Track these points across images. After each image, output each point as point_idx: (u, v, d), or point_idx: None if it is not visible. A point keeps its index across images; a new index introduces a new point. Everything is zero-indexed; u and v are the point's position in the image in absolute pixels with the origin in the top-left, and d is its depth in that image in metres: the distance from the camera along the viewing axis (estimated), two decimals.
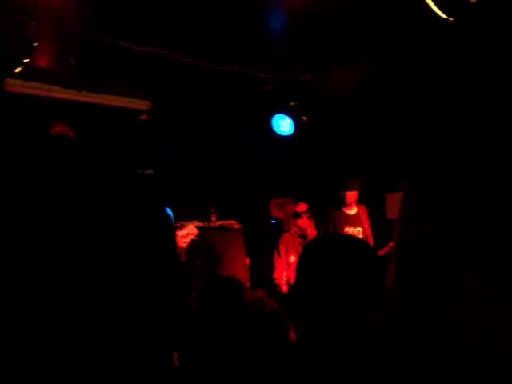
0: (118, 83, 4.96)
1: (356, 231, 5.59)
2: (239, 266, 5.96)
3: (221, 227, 6.08)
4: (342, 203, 5.68)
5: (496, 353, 0.83)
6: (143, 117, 5.27)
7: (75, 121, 4.38)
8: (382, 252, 4.93)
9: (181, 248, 5.01)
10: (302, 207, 5.88)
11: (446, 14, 4.04)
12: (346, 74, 5.15)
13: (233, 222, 6.13)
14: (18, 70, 4.23)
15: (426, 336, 0.89)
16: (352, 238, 1.73)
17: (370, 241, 5.52)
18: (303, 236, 5.86)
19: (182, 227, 5.08)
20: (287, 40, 4.57)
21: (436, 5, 3.87)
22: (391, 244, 4.53)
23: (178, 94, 5.39)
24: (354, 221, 5.63)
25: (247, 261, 6.04)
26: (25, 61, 4.19)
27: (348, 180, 5.65)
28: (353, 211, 5.70)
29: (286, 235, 6.03)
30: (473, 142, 0.85)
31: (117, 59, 4.56)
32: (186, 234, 5.07)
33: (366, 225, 5.63)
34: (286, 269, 5.86)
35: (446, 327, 0.88)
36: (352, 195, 5.65)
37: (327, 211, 5.83)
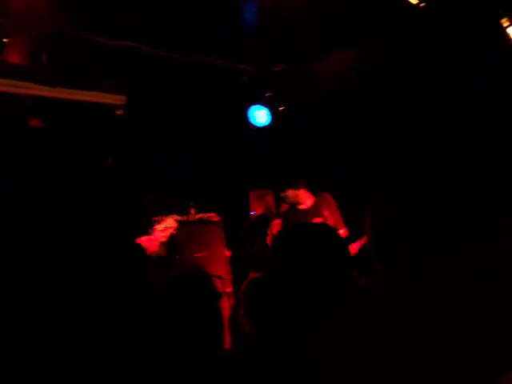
0: (92, 78, 4.89)
1: None
2: (220, 258, 5.95)
3: (200, 220, 6.06)
4: (285, 202, 5.56)
5: (496, 353, 0.84)
6: (119, 112, 5.20)
7: (50, 117, 4.31)
8: (356, 245, 4.80)
9: (160, 242, 4.96)
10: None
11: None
12: (330, 65, 5.14)
13: (212, 214, 6.11)
14: None
15: (425, 335, 0.90)
16: (317, 227, 1.76)
17: (340, 228, 5.31)
18: None
19: (160, 221, 5.02)
20: (264, 31, 4.55)
21: None
22: (363, 239, 4.45)
23: (154, 88, 5.34)
24: (307, 215, 5.40)
25: (228, 253, 6.03)
26: None
27: (291, 179, 5.51)
28: (306, 205, 5.51)
29: (277, 222, 5.68)
30: (472, 142, 0.85)
31: (90, 54, 4.49)
32: (164, 227, 5.01)
33: (327, 213, 5.34)
34: None
35: (446, 327, 0.88)
36: (294, 194, 5.48)
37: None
